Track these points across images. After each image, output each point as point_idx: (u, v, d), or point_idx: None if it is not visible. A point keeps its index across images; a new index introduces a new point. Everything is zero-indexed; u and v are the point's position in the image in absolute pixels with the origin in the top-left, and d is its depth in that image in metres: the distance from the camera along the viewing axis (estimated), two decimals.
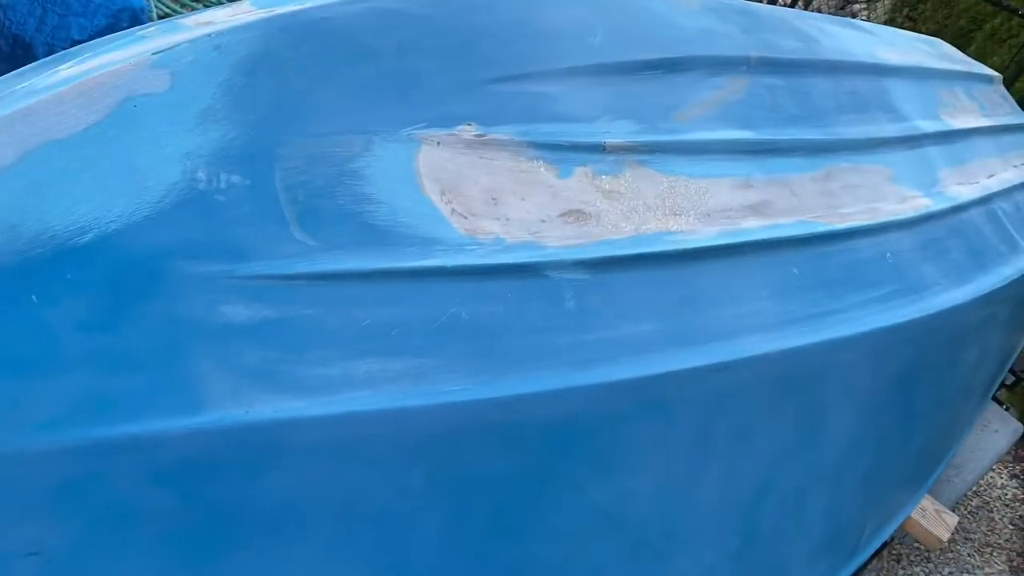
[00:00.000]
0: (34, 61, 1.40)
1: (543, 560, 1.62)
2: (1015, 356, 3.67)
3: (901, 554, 4.28)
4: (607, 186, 1.65)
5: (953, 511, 3.31)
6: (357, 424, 1.26)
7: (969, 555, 4.50)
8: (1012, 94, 3.89)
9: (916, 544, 3.53)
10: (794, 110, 2.20)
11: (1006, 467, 5.26)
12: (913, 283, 2.11)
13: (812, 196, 2.04)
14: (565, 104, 1.70)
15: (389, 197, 1.39)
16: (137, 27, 1.48)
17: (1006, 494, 4.99)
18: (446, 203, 1.44)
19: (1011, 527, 4.75)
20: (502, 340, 1.40)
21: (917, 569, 4.19)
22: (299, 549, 1.31)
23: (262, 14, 1.43)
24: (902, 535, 3.19)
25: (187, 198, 1.22)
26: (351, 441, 1.28)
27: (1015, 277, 2.52)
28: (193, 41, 1.32)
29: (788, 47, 2.38)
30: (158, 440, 1.13)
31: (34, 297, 1.10)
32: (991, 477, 5.12)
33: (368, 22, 1.53)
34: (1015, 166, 3.06)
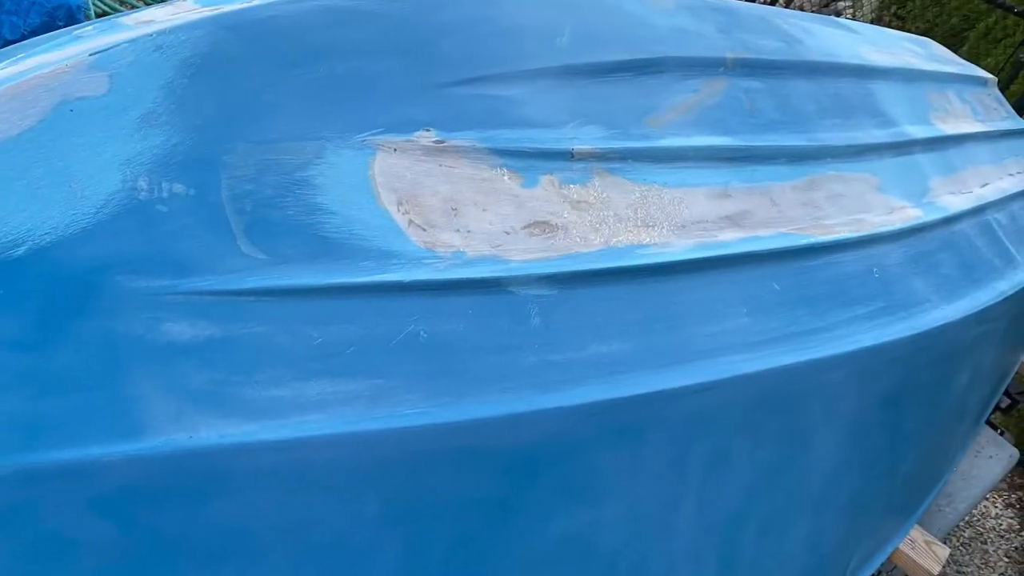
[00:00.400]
0: None
1: None
2: (1011, 377, 3.71)
3: None
4: (575, 196, 1.68)
5: (944, 542, 3.34)
6: (309, 449, 1.27)
7: None
8: (1007, 97, 3.95)
9: None
10: (774, 114, 2.23)
11: (1001, 496, 5.32)
12: (902, 299, 2.13)
13: (794, 206, 2.06)
14: (530, 108, 1.73)
15: (342, 208, 1.41)
16: (73, 26, 1.49)
17: (1001, 524, 5.04)
18: (403, 214, 1.47)
19: (1006, 560, 4.80)
20: (463, 360, 1.41)
21: None
22: None
23: (206, 12, 1.45)
24: (890, 568, 3.22)
25: (127, 208, 1.23)
26: (303, 468, 1.29)
27: (1010, 292, 2.55)
28: (133, 41, 1.34)
29: (768, 47, 2.41)
30: (95, 467, 1.14)
31: None
32: (985, 506, 5.17)
33: (318, 20, 1.56)
34: (1010, 174, 3.11)
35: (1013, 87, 8.12)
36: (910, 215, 2.34)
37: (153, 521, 1.21)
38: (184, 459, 1.18)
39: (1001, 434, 4.17)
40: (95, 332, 1.17)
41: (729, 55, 2.21)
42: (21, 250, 1.15)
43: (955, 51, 4.02)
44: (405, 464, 1.38)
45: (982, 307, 2.39)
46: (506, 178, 1.61)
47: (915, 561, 3.10)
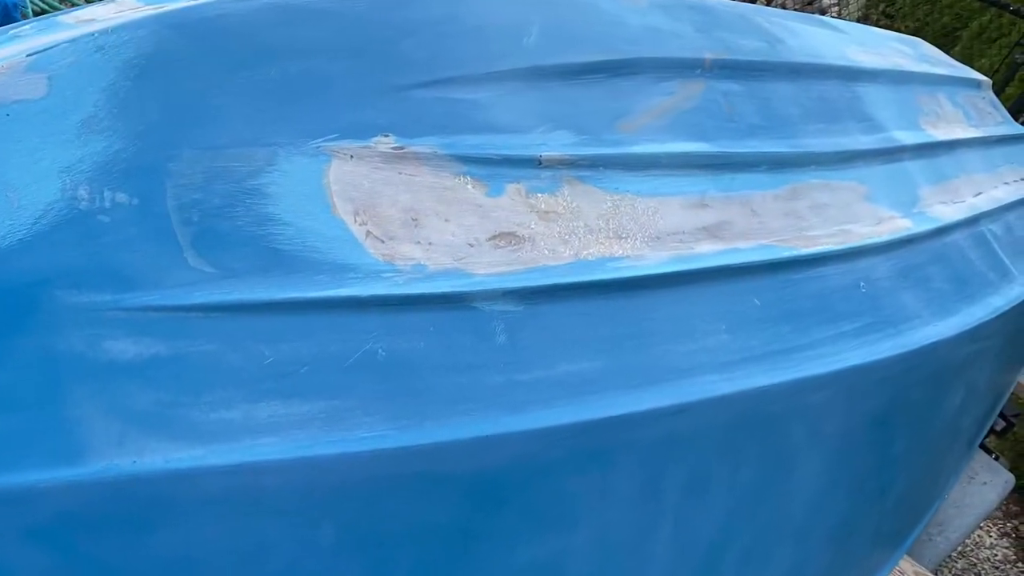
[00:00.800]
0: None
1: None
2: (1006, 398, 3.73)
3: None
4: (543, 205, 1.69)
5: (936, 574, 3.35)
6: (261, 475, 1.27)
7: None
8: (1003, 100, 3.98)
9: None
10: (755, 119, 2.24)
11: (995, 524, 5.35)
12: (890, 315, 2.15)
13: (776, 216, 2.08)
14: (495, 112, 1.74)
15: (296, 218, 1.42)
16: (10, 25, 1.50)
17: (995, 555, 5.07)
18: (360, 225, 1.48)
19: None
20: (424, 379, 1.42)
21: None
22: None
23: (150, 11, 1.45)
24: None
25: (66, 219, 1.24)
26: (254, 494, 1.29)
27: (1006, 308, 2.56)
28: (73, 41, 1.35)
29: (749, 47, 2.42)
30: (32, 494, 1.14)
31: None
32: (979, 535, 5.19)
33: (270, 18, 1.56)
34: (1006, 183, 3.13)
35: (1009, 90, 8.19)
36: (899, 226, 2.35)
37: (95, 551, 1.22)
38: (128, 485, 1.18)
39: (996, 459, 4.16)
40: (33, 350, 1.18)
41: (707, 55, 2.22)
42: None
43: (947, 51, 4.05)
44: (363, 490, 1.38)
45: (976, 324, 2.40)
46: (470, 187, 1.62)
47: None
